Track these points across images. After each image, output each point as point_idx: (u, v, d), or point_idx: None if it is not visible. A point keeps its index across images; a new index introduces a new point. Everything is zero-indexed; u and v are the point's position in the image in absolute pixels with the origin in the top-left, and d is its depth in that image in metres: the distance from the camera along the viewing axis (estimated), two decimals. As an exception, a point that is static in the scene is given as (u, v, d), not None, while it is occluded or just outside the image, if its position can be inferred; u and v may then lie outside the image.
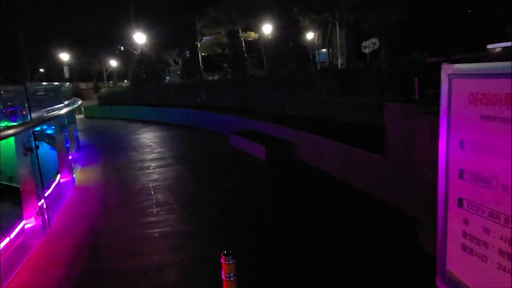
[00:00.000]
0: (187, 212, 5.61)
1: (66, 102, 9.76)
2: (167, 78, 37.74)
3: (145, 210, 5.74)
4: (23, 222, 4.83)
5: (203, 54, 32.99)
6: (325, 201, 5.58)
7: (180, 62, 33.82)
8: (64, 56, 40.32)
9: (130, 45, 26.81)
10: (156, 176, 7.74)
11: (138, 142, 12.56)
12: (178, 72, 38.26)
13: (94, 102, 27.21)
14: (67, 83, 13.24)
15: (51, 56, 51.99)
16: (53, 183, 6.70)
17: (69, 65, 42.07)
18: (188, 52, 27.69)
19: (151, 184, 7.13)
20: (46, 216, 5.22)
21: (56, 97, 9.26)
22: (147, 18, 28.17)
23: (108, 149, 11.90)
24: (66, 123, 8.80)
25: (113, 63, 66.25)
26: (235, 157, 9.24)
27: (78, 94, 35.92)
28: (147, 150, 10.97)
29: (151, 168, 8.54)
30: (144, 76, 23.55)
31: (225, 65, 29.59)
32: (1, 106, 5.80)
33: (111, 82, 65.49)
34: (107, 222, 5.49)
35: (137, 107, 20.43)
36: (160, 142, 12.34)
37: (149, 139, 13.04)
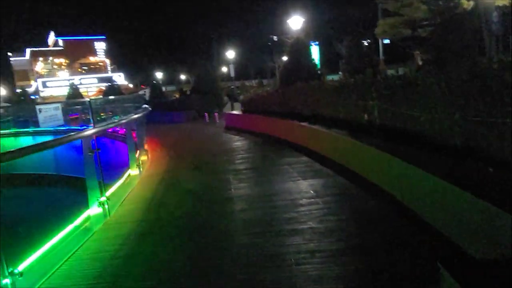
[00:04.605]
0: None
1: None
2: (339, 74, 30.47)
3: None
4: (88, 210, 6.17)
5: (381, 38, 24.42)
6: None
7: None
8: (230, 54, 37.86)
9: (285, 33, 21.01)
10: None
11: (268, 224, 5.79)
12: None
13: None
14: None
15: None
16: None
17: (235, 63, 39.60)
18: (355, 36, 19.69)
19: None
20: (106, 206, 6.44)
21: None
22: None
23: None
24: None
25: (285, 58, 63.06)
26: None
27: (238, 94, 32.57)
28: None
29: None
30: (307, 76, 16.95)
31: (417, 52, 20.33)
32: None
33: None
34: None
35: (279, 120, 14.12)
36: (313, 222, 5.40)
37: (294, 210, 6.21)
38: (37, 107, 5.48)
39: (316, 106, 11.88)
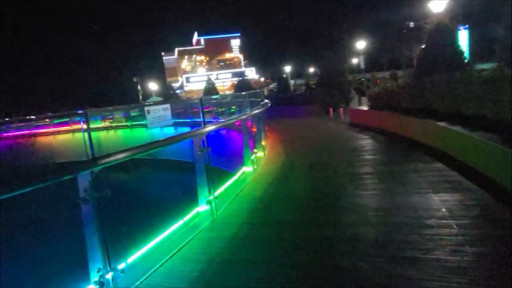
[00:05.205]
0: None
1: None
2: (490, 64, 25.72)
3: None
4: (197, 207, 6.40)
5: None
6: None
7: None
8: (360, 45, 35.72)
9: (424, 18, 18.48)
10: None
11: None
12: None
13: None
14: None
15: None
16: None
17: (365, 54, 37.26)
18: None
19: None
20: (213, 205, 6.43)
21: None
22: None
23: None
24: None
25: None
26: None
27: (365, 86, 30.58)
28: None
29: None
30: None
31: None
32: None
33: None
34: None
35: (410, 118, 12.46)
36: None
37: None
38: (145, 108, 5.81)
39: (457, 102, 10.03)
